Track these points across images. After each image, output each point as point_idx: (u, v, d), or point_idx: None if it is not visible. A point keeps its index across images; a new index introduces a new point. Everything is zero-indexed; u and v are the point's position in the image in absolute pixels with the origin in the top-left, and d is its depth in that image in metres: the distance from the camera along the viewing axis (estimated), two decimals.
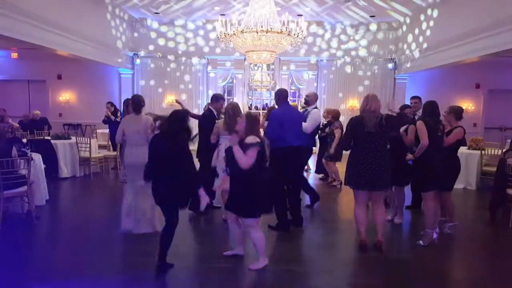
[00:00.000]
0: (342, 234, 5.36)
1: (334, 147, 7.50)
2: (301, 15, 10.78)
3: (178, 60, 13.67)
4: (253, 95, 14.82)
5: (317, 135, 7.37)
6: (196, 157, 5.32)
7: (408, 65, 12.55)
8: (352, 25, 13.29)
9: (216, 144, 5.31)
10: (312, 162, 9.40)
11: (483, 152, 7.82)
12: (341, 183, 7.76)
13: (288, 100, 5.66)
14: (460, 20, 9.48)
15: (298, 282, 3.87)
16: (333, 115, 7.98)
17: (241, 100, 13.57)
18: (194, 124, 6.37)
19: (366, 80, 13.60)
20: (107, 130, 10.41)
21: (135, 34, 13.56)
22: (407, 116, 5.58)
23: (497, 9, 8.00)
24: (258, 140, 3.82)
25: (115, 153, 9.27)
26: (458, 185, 6.98)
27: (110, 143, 9.78)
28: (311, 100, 6.31)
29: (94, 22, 10.83)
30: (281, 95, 5.39)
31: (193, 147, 4.63)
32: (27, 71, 14.24)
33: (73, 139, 8.81)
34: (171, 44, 13.60)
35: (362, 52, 13.48)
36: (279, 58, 13.24)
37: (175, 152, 3.69)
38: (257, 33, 8.50)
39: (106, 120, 9.67)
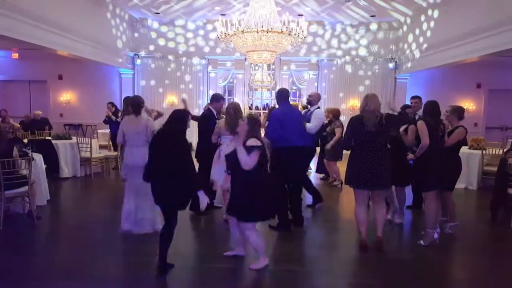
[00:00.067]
0: (343, 234, 5.36)
1: (332, 144, 7.48)
2: (301, 15, 10.77)
3: (179, 60, 13.67)
4: (253, 95, 14.82)
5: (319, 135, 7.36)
6: (195, 157, 5.32)
7: (409, 64, 12.54)
8: (352, 25, 13.28)
9: (215, 145, 5.32)
10: (312, 162, 9.38)
11: (484, 152, 7.81)
12: (341, 183, 7.76)
13: (289, 100, 5.67)
14: (461, 19, 9.47)
15: (298, 282, 3.87)
16: (334, 114, 7.98)
17: (242, 100, 13.57)
18: (193, 126, 6.44)
19: (367, 80, 13.59)
20: (108, 130, 10.41)
21: (136, 34, 13.56)
22: (407, 115, 5.58)
23: (498, 9, 7.99)
24: (259, 143, 3.82)
25: (116, 153, 9.28)
26: (459, 185, 6.97)
27: (111, 143, 9.79)
28: (314, 100, 6.30)
29: (95, 22, 10.84)
30: (281, 95, 5.39)
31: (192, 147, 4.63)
32: (28, 71, 14.26)
33: (74, 139, 8.82)
34: (171, 44, 13.61)
35: (363, 52, 13.47)
36: (280, 58, 13.24)
37: (175, 152, 3.69)
38: (257, 33, 8.50)
39: (107, 120, 9.68)
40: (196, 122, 6.04)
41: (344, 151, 5.88)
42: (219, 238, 5.01)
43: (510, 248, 5.01)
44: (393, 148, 4.94)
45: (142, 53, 13.64)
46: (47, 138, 9.13)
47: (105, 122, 9.84)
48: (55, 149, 8.19)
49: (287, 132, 5.01)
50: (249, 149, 3.76)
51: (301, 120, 5.44)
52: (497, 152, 7.71)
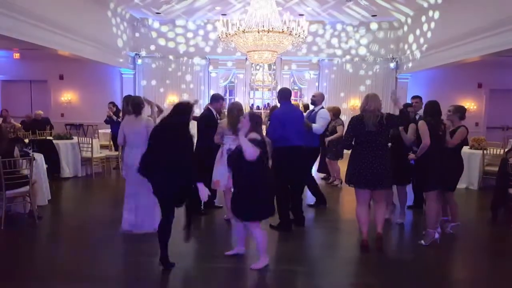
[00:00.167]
0: (344, 234, 5.35)
1: (332, 139, 7.46)
2: (302, 15, 10.77)
3: (180, 60, 13.69)
4: (254, 95, 14.83)
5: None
6: None
7: (410, 64, 12.54)
8: (353, 25, 13.29)
9: (215, 144, 5.33)
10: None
11: (485, 151, 7.80)
12: (341, 182, 7.76)
13: (291, 99, 5.67)
14: (461, 19, 9.46)
15: (299, 282, 3.88)
16: (334, 113, 7.98)
17: (243, 100, 13.56)
18: (193, 126, 6.43)
19: (368, 79, 13.60)
20: (109, 130, 10.42)
21: (137, 34, 13.58)
22: (408, 115, 5.57)
23: (499, 9, 7.99)
24: (260, 138, 3.83)
25: (117, 153, 9.29)
26: (460, 184, 6.95)
27: (112, 143, 9.80)
28: (318, 100, 6.26)
29: (96, 22, 10.86)
30: (282, 95, 5.39)
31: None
32: (29, 71, 14.29)
33: (75, 139, 8.82)
34: (172, 44, 13.62)
35: (364, 52, 13.47)
36: (281, 58, 13.24)
37: (177, 143, 3.69)
38: (258, 32, 8.50)
39: (108, 120, 9.68)
40: (196, 122, 6.04)
41: (345, 151, 5.87)
42: (219, 238, 5.02)
43: (511, 248, 5.00)
44: (394, 147, 4.95)
45: (143, 53, 13.66)
46: (48, 138, 9.14)
47: (106, 122, 9.84)
48: (56, 149, 8.20)
49: (288, 131, 5.01)
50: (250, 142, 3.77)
51: (302, 119, 5.44)
52: (498, 152, 7.70)
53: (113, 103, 9.94)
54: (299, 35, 8.85)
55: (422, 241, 4.72)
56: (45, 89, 14.49)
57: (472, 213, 6.52)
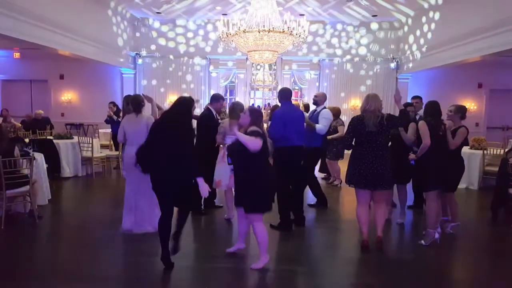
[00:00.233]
0: (344, 234, 5.35)
1: (334, 137, 7.45)
2: (303, 15, 10.77)
3: (180, 60, 13.68)
4: (255, 95, 14.83)
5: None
6: None
7: (410, 64, 12.54)
8: (353, 25, 13.28)
9: (214, 144, 5.33)
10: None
11: (485, 152, 7.80)
12: (341, 182, 7.75)
13: (291, 99, 5.66)
14: (462, 19, 9.46)
15: (299, 282, 3.88)
16: (334, 113, 7.95)
17: (243, 100, 13.56)
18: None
19: (368, 79, 13.59)
20: (109, 130, 10.43)
21: (137, 34, 13.59)
22: (408, 115, 5.56)
23: (499, 9, 7.99)
24: (260, 130, 3.84)
25: (117, 152, 9.29)
26: (461, 184, 6.90)
27: (112, 142, 9.80)
28: (320, 100, 6.23)
29: (96, 22, 10.86)
30: (283, 95, 5.38)
31: None
32: (29, 71, 14.29)
33: (75, 138, 8.82)
34: (172, 43, 13.62)
35: (364, 52, 13.47)
36: (281, 58, 13.25)
37: (175, 135, 3.67)
38: (259, 32, 8.50)
39: (109, 120, 9.69)
40: (195, 121, 6.04)
41: (346, 151, 5.86)
42: (219, 238, 5.02)
43: (511, 248, 5.00)
44: (393, 147, 4.94)
45: (144, 53, 13.67)
46: (48, 137, 9.14)
47: (106, 121, 9.85)
48: (56, 149, 8.20)
49: (289, 131, 5.00)
50: (250, 134, 3.77)
51: (303, 119, 5.43)
52: (498, 152, 7.70)
53: (113, 103, 9.94)
54: (299, 35, 8.85)
55: (422, 241, 4.72)
56: (45, 89, 14.50)
57: (472, 213, 6.52)
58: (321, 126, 5.74)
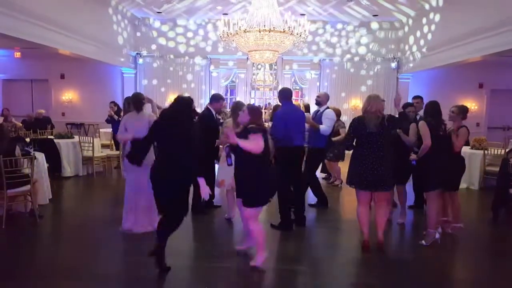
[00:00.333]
0: (345, 234, 5.35)
1: (337, 139, 7.42)
2: (303, 15, 10.77)
3: (181, 60, 13.68)
4: (255, 95, 14.82)
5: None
6: None
7: (411, 64, 12.53)
8: (354, 25, 13.27)
9: (214, 144, 5.33)
10: None
11: (486, 152, 7.79)
12: (341, 182, 7.75)
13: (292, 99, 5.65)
14: (463, 19, 9.45)
15: (300, 282, 3.88)
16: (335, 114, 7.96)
17: (244, 100, 13.55)
18: None
19: (369, 79, 13.58)
20: (110, 130, 10.43)
21: (138, 34, 13.59)
22: (408, 116, 5.56)
23: (500, 9, 7.98)
24: (260, 127, 3.83)
25: (118, 152, 9.30)
26: (461, 185, 6.90)
27: (113, 142, 9.81)
28: (322, 100, 6.20)
29: (97, 22, 10.86)
30: (283, 95, 5.38)
31: None
32: (30, 70, 14.29)
33: (76, 138, 8.83)
34: (173, 43, 13.62)
35: (365, 52, 13.46)
36: (282, 58, 13.24)
37: (175, 135, 3.65)
38: (259, 32, 8.50)
39: (109, 120, 9.69)
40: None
41: (346, 152, 5.86)
42: (219, 238, 5.02)
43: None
44: (393, 147, 4.93)
45: (144, 52, 13.67)
46: (49, 137, 9.15)
47: (107, 121, 9.85)
48: (57, 148, 8.20)
49: (290, 132, 5.00)
50: (250, 131, 3.73)
51: (304, 120, 5.42)
52: (499, 152, 7.69)
53: (114, 103, 9.94)
54: (300, 35, 8.85)
55: (423, 241, 4.71)
56: (46, 88, 14.50)
57: (473, 213, 6.52)
58: (325, 127, 5.73)
